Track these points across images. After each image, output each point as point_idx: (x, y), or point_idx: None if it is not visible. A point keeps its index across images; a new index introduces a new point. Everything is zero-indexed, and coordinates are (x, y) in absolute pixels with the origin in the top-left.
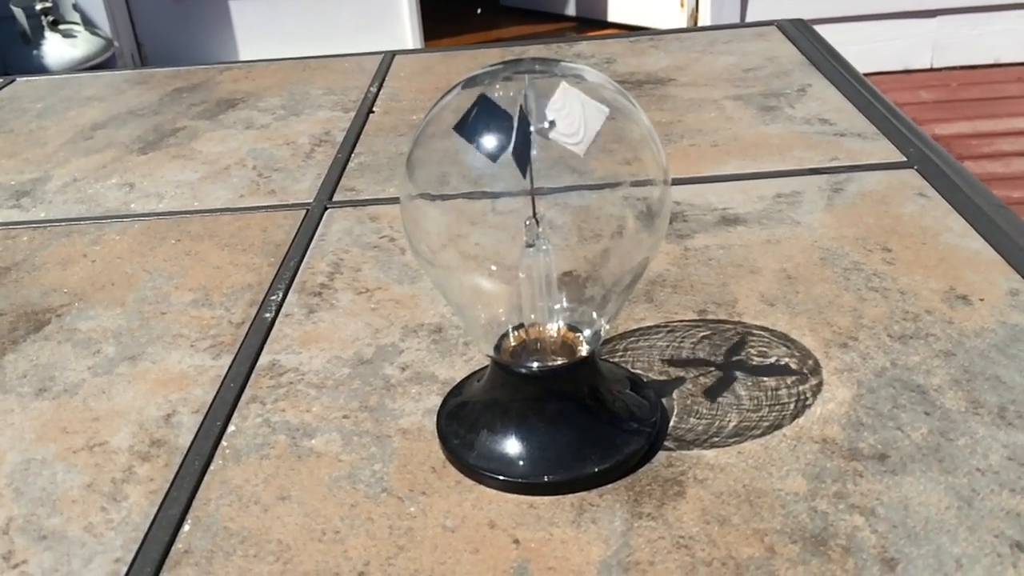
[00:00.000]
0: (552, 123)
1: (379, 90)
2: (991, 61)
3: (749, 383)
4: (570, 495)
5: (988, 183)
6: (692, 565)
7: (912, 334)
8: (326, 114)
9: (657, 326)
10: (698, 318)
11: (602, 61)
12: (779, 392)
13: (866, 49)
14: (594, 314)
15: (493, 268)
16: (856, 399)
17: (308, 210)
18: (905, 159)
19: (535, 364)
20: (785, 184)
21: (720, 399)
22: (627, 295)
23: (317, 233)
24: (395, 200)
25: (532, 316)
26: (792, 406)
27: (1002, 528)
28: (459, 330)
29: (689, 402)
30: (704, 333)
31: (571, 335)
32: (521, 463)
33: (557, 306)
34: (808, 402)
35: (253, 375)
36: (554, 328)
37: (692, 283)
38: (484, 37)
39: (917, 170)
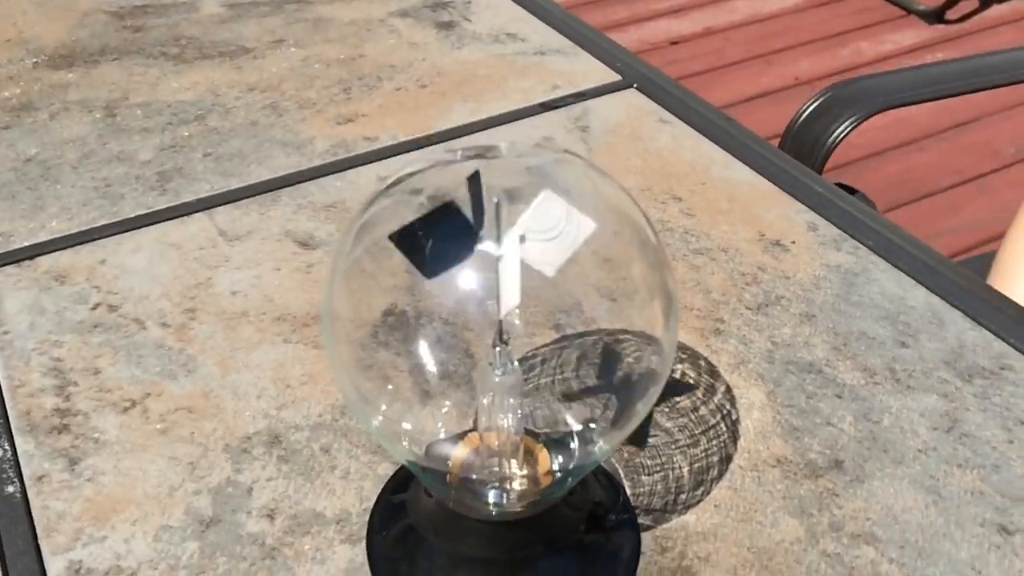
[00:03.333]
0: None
1: None
2: None
3: (666, 409)
4: None
5: None
6: None
7: (764, 301)
8: None
9: (526, 357)
10: (558, 336)
11: None
12: (700, 412)
13: None
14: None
15: (447, 405)
16: (771, 398)
17: None
18: (621, 77)
19: (511, 506)
20: (529, 130)
21: (652, 439)
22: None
23: None
24: (79, 239)
25: (486, 426)
26: (723, 427)
27: (979, 514)
28: (301, 431)
29: (625, 455)
30: (575, 353)
31: (532, 443)
32: None
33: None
34: (733, 415)
35: None
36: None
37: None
38: None
39: (638, 88)
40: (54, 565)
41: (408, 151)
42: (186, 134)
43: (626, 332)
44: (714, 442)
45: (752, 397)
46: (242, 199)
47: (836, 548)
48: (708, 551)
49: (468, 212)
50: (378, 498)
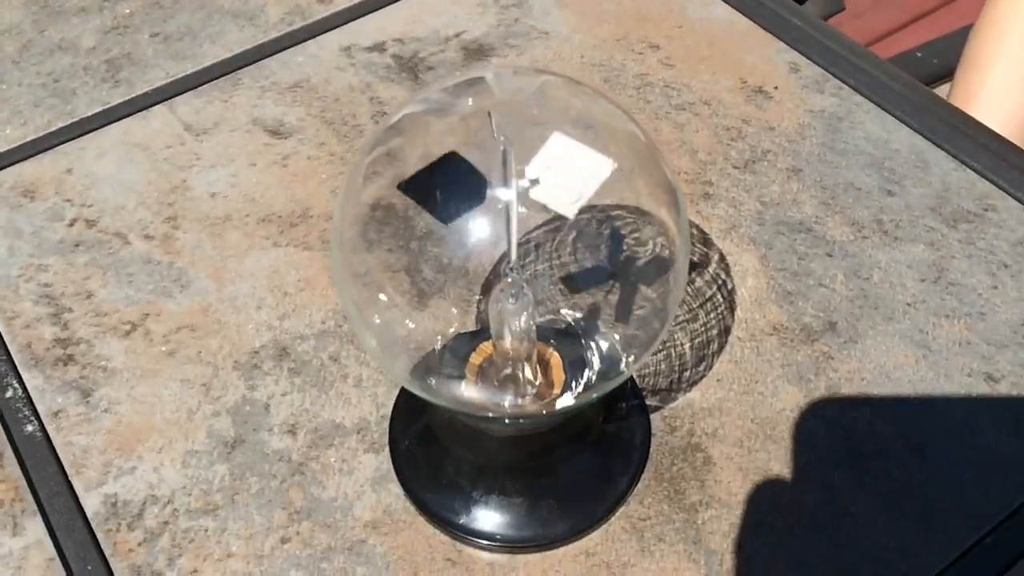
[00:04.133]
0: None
1: None
2: None
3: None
4: (615, 520)
5: None
6: (780, 541)
7: (751, 157)
8: None
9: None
10: (550, 216)
11: None
12: (696, 284)
13: None
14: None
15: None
16: (764, 263)
17: None
18: None
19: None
20: None
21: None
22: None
23: None
24: (39, 146)
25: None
26: (719, 298)
27: (967, 364)
28: (307, 340)
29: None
30: (568, 235)
31: (544, 349)
32: (556, 523)
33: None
34: (728, 285)
35: (100, 535)
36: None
37: None
38: None
39: None
40: (90, 501)
41: (368, 13)
42: (127, 11)
43: (638, 228)
44: (712, 315)
45: (745, 263)
46: (201, 85)
47: (833, 411)
48: (715, 426)
49: (473, 156)
50: (395, 404)
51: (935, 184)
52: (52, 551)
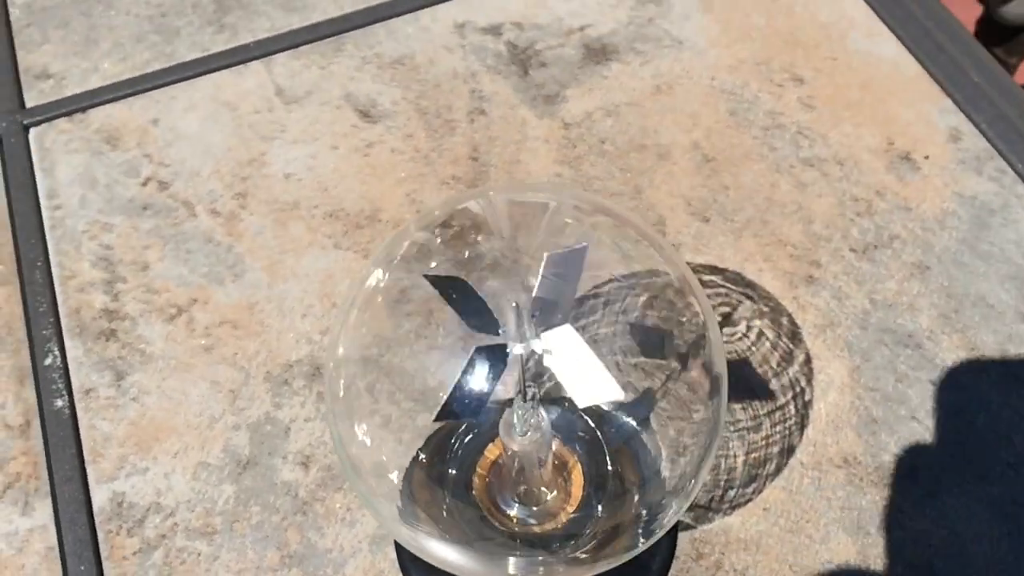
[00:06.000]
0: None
1: None
2: None
3: (733, 379)
4: None
5: None
6: None
7: (875, 241)
8: None
9: (587, 296)
10: (627, 272)
11: None
12: (770, 386)
13: None
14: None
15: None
16: (854, 377)
17: None
18: None
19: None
20: None
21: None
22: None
23: (40, 188)
24: (132, 87)
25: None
26: (792, 409)
27: None
28: (344, 364)
29: (672, 432)
30: (643, 296)
31: (567, 453)
32: None
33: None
34: (807, 395)
35: (100, 534)
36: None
37: (598, 192)
38: None
39: None
40: (99, 495)
41: None
42: None
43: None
44: (778, 428)
45: (833, 373)
46: (303, 44)
47: (884, 573)
48: (747, 563)
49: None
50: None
51: None
52: (54, 540)
